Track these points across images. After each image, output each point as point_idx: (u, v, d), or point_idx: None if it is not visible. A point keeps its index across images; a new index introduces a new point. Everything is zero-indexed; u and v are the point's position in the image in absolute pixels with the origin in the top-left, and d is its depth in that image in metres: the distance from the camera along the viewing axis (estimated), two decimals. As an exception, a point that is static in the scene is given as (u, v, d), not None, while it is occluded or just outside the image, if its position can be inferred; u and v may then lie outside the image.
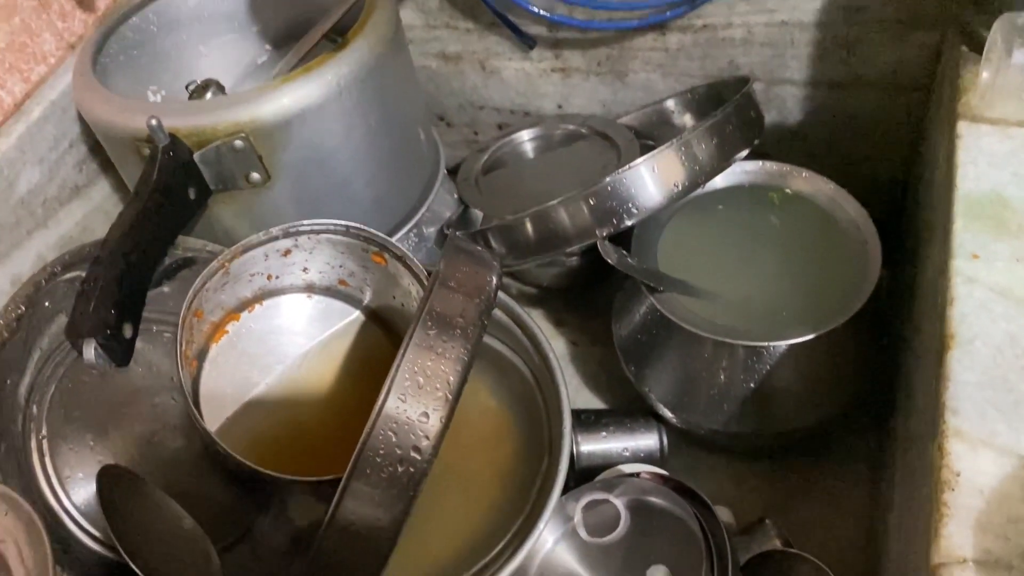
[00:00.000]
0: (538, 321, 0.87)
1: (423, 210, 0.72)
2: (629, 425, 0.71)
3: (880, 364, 0.66)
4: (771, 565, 0.59)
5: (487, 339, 0.72)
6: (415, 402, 0.47)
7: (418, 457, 0.46)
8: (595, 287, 0.85)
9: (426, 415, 0.47)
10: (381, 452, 0.46)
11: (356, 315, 0.66)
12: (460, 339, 0.49)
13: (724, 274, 0.66)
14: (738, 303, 0.64)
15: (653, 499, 0.60)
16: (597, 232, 0.63)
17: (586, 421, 0.71)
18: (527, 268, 0.83)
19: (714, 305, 0.64)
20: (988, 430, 0.43)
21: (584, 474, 0.69)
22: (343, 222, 0.59)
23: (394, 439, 0.46)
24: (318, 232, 0.59)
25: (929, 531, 0.41)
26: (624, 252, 0.64)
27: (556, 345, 0.84)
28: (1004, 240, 0.50)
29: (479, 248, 0.56)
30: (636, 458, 0.70)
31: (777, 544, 0.62)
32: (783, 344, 0.60)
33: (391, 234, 0.69)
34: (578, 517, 0.61)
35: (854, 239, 0.64)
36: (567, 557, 0.60)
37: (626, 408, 0.74)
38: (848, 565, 0.61)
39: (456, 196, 0.80)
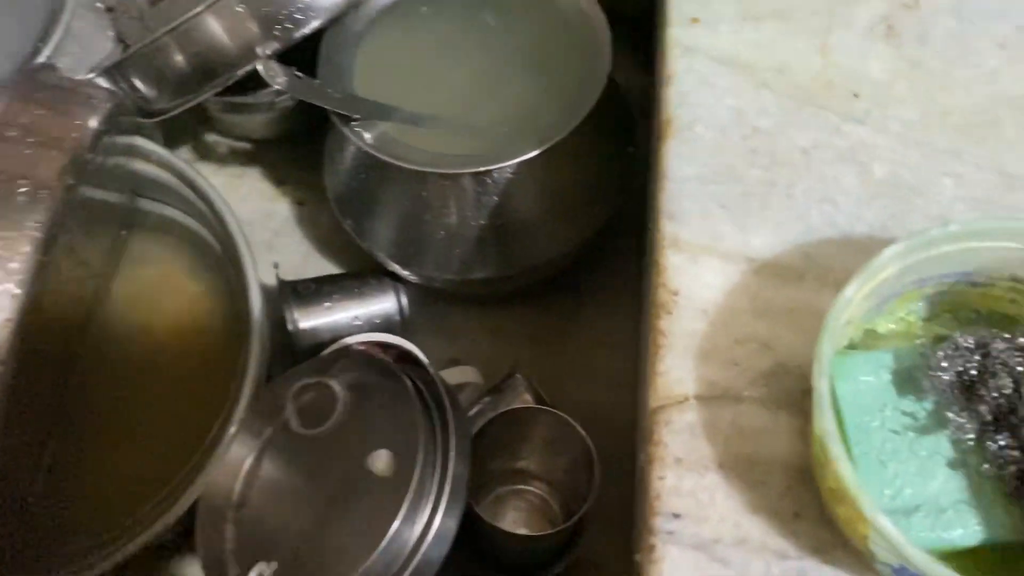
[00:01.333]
0: (256, 182, 0.74)
1: (47, 52, 0.54)
2: (358, 290, 0.60)
3: (631, 178, 0.57)
4: (514, 422, 0.51)
5: (172, 212, 0.59)
6: (-43, 303, 0.33)
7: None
8: (321, 135, 0.71)
9: (-23, 319, 0.33)
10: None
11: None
12: (27, 209, 0.35)
13: (436, 91, 0.54)
14: (456, 124, 0.53)
15: (372, 374, 0.50)
16: (258, 50, 0.49)
17: (304, 292, 0.59)
18: (227, 119, 0.68)
19: (428, 130, 0.52)
20: (711, 233, 0.34)
21: (312, 353, 0.58)
22: None
23: (-69, 359, 0.33)
24: None
25: (647, 369, 0.32)
26: (300, 74, 0.51)
27: (279, 208, 0.71)
28: (730, -2, 0.41)
29: (70, 81, 0.41)
30: (373, 326, 0.59)
31: (528, 399, 0.54)
32: (508, 165, 0.50)
33: (-2, 86, 0.52)
34: (289, 407, 0.50)
35: (582, 32, 0.54)
36: (279, 458, 0.50)
37: (357, 272, 0.62)
38: (609, 410, 0.54)
39: (114, 35, 0.62)
